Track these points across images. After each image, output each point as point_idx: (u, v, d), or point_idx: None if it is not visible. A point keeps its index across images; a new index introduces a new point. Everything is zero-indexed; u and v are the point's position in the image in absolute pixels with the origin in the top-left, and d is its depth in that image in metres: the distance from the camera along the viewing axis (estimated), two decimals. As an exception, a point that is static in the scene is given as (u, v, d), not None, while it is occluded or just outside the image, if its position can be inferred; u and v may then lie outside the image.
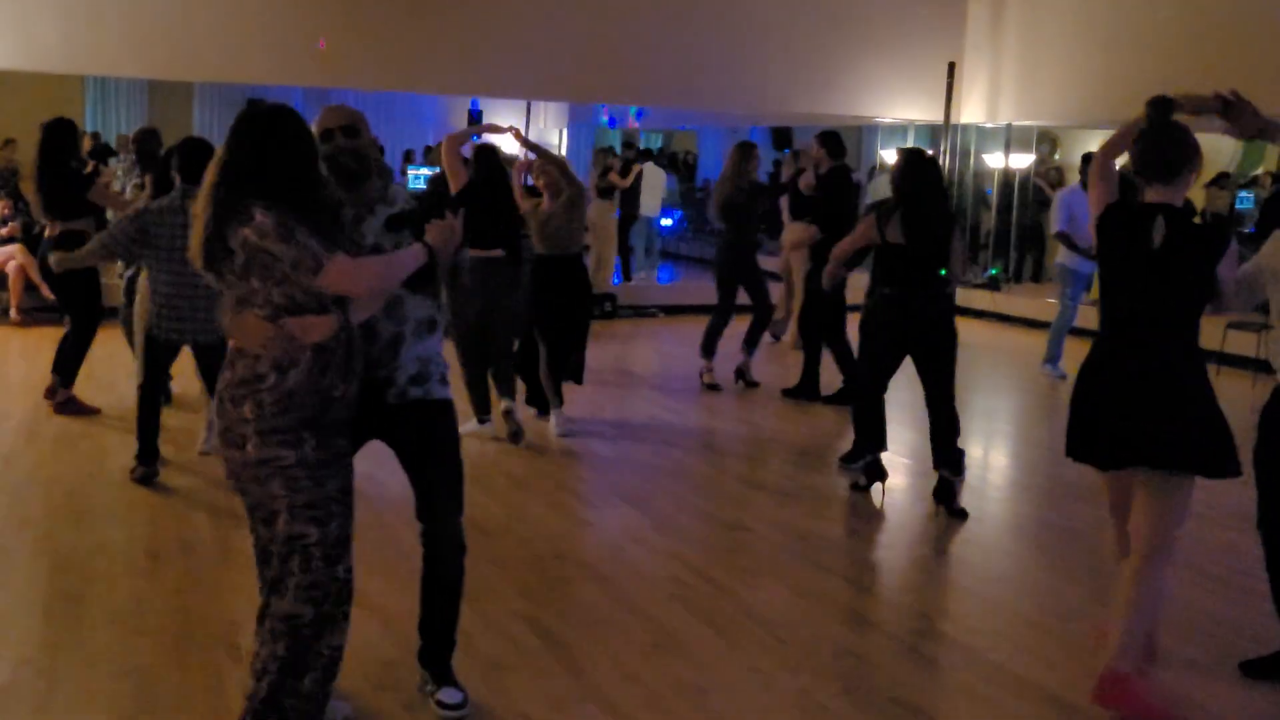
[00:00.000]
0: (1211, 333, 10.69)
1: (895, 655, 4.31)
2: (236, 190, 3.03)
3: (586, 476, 6.65)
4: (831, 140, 8.75)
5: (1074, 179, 13.28)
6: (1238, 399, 6.65)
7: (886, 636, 4.48)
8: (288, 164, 3.08)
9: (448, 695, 3.66)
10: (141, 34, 10.90)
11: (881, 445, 6.41)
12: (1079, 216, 9.50)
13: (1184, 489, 3.76)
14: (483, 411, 7.15)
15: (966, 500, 6.52)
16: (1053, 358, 10.35)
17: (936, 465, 6.18)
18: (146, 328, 6.02)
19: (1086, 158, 10.20)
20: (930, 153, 7.35)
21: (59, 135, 7.46)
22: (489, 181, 6.96)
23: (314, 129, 3.36)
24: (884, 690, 3.99)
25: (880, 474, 6.41)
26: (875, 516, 6.26)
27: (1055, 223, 10.05)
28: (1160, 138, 3.80)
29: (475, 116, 17.70)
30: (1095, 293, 9.34)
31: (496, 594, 4.70)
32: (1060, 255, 10.25)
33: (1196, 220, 6.02)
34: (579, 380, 7.60)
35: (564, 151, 16.83)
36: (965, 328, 13.84)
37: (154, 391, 6.18)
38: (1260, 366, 10.27)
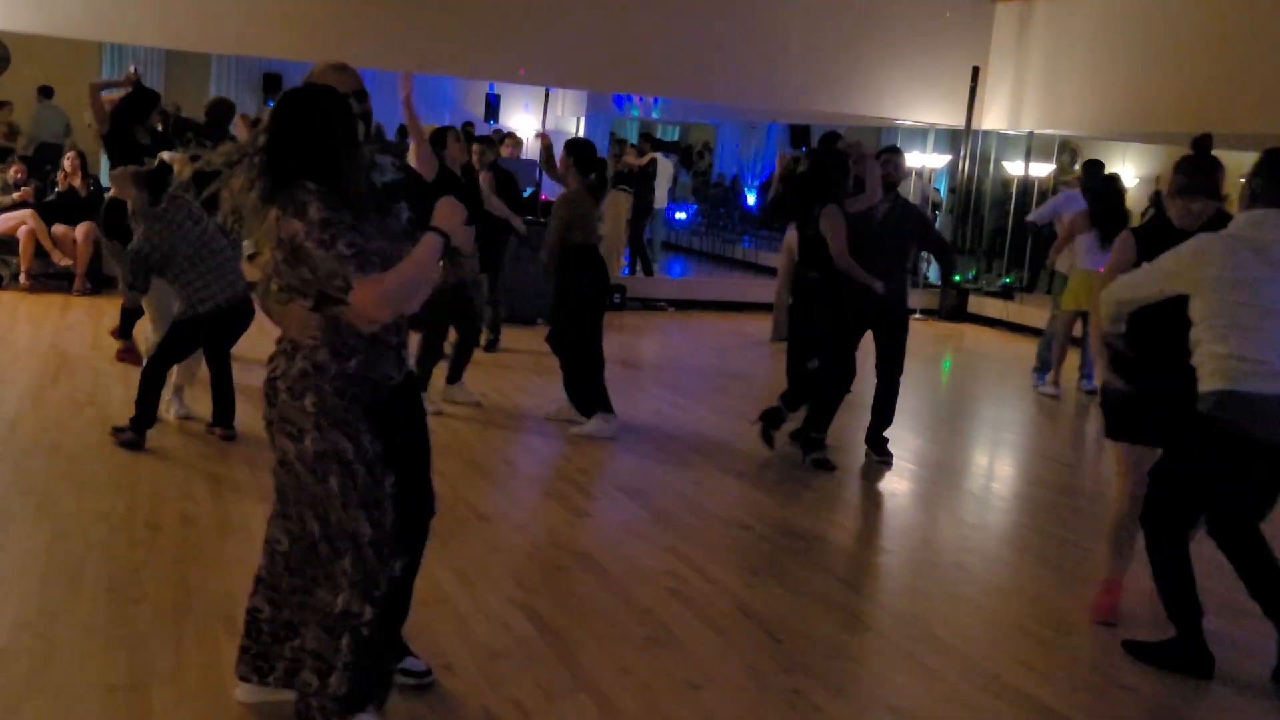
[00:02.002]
0: None
1: (890, 660, 4.34)
2: (283, 168, 3.00)
3: (586, 467, 6.68)
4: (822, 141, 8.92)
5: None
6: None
7: (882, 641, 4.51)
8: (334, 145, 3.05)
9: (413, 664, 3.71)
10: (162, 3, 10.95)
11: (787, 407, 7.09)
12: (1063, 216, 9.63)
13: None
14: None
15: (969, 509, 6.56)
16: (1043, 367, 9.95)
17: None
18: (180, 316, 6.21)
19: (1089, 164, 10.17)
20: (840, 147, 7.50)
21: (136, 104, 7.63)
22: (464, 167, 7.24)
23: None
24: (878, 695, 4.03)
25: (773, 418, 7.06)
26: (877, 520, 6.29)
27: (1038, 214, 10.10)
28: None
29: (493, 102, 17.72)
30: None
31: (493, 580, 4.73)
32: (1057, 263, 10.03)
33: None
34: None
35: (580, 140, 16.82)
36: (976, 335, 13.88)
37: (166, 366, 6.29)
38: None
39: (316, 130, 3.04)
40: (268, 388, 3.16)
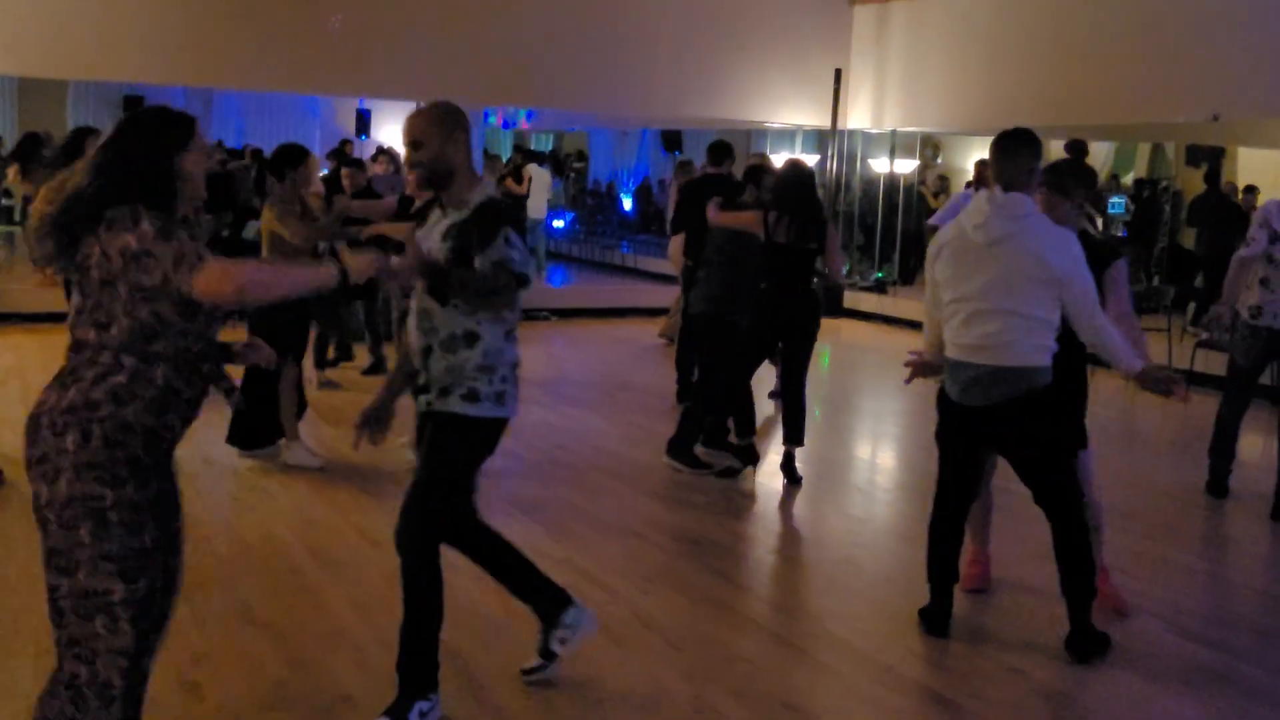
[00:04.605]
0: (1181, 352, 10.69)
1: (787, 659, 4.38)
2: (108, 194, 2.76)
3: (485, 489, 6.58)
4: (710, 150, 9.01)
5: (961, 183, 13.67)
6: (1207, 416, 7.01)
7: (778, 640, 4.55)
8: (152, 167, 2.83)
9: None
10: (12, 29, 10.54)
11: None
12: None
13: None
14: None
15: (855, 502, 6.67)
16: None
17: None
18: None
19: (980, 163, 10.45)
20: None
21: None
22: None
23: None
24: (776, 694, 4.06)
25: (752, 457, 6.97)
26: (766, 521, 6.35)
27: (936, 217, 10.18)
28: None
29: (364, 116, 17.48)
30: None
31: (390, 608, 4.62)
32: None
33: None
34: None
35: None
36: (852, 330, 14.13)
37: None
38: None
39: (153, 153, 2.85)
40: (30, 425, 2.76)
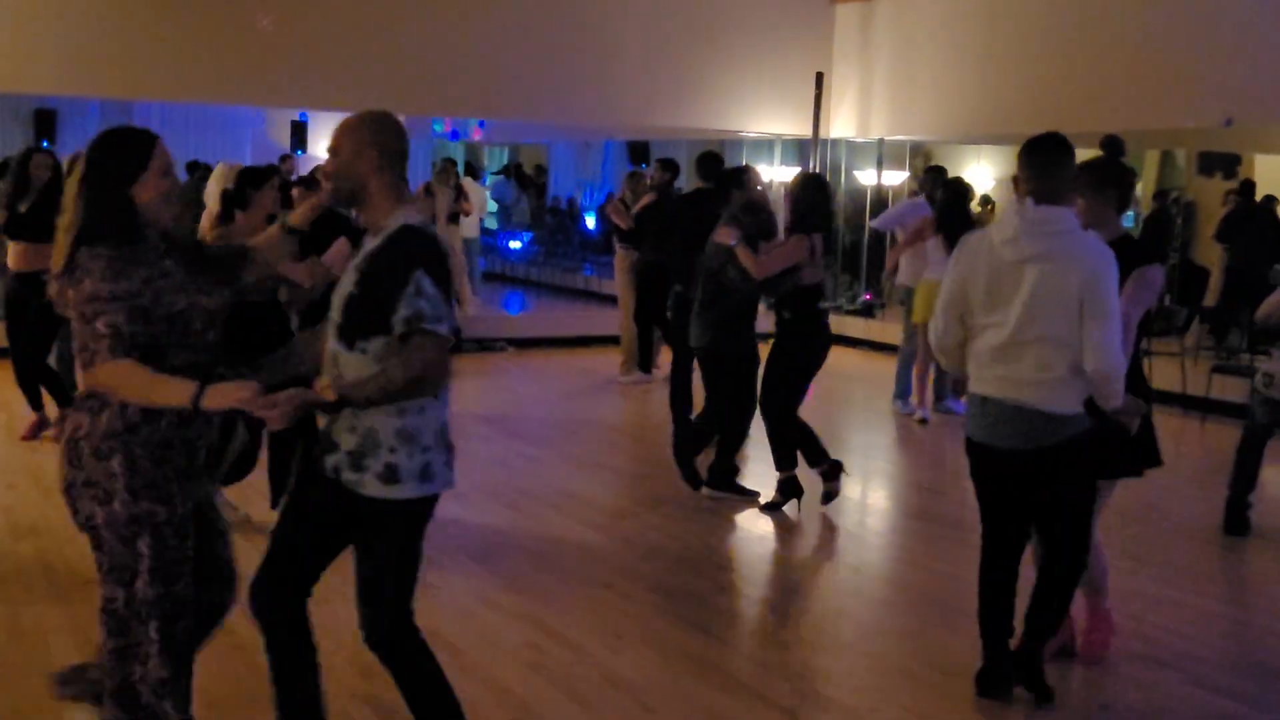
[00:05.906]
0: (1195, 378, 10.83)
1: (772, 721, 4.37)
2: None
3: (428, 534, 6.54)
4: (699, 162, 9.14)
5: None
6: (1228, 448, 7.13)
7: (762, 700, 4.52)
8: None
9: None
10: (-87, 38, 10.49)
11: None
12: (907, 224, 9.95)
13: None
14: None
15: (846, 548, 6.68)
16: (903, 393, 10.24)
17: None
18: None
19: (930, 171, 10.65)
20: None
21: None
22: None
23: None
24: (761, 761, 4.04)
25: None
26: (749, 569, 6.33)
27: (882, 220, 10.71)
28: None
29: (302, 129, 17.43)
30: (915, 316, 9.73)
31: (332, 671, 4.57)
32: (901, 275, 10.17)
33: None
34: None
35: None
36: (837, 355, 14.15)
37: None
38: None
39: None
40: (69, 448, 3.21)
